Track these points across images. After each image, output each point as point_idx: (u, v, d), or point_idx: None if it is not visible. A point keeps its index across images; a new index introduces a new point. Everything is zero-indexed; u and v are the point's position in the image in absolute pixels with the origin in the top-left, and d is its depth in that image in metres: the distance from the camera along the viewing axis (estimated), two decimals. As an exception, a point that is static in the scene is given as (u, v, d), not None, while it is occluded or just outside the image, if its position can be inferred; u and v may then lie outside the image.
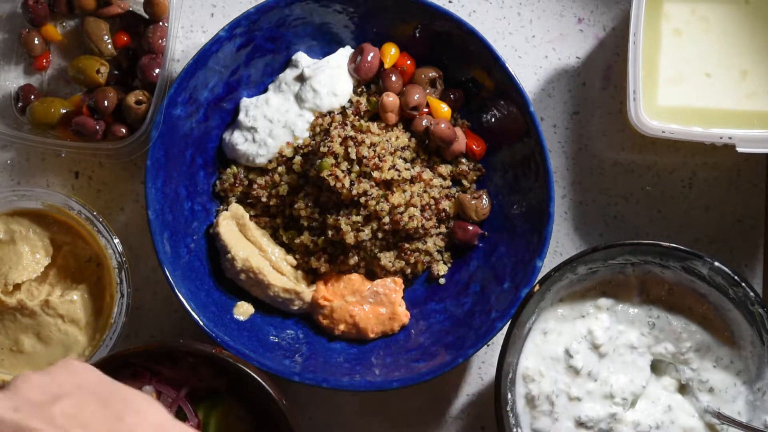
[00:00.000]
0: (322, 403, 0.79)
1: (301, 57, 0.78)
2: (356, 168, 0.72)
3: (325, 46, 0.78)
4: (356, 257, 0.75)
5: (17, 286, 0.75)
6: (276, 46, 0.77)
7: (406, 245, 0.76)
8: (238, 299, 0.76)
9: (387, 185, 0.73)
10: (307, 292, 0.76)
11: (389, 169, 0.73)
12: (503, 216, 0.76)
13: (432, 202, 0.76)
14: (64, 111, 0.78)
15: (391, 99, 0.76)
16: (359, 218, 0.73)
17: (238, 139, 0.77)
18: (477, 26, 0.74)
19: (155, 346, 0.70)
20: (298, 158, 0.75)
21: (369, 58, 0.76)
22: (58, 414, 0.48)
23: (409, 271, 0.77)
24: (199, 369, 0.71)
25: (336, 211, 0.74)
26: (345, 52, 0.78)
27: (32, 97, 0.79)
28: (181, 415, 0.71)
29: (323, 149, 0.73)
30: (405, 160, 0.75)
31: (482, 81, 0.76)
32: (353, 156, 0.72)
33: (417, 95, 0.76)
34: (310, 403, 0.79)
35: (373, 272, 0.76)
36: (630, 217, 0.80)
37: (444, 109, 0.76)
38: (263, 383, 0.69)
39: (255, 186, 0.77)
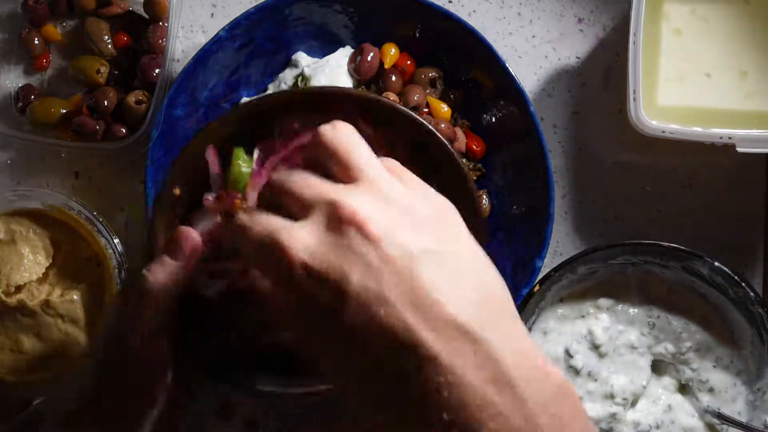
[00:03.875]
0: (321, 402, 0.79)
1: (301, 57, 0.78)
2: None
3: (325, 46, 0.78)
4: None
5: (19, 287, 0.75)
6: (276, 46, 0.77)
7: (406, 245, 0.75)
8: (238, 299, 0.76)
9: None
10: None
11: (389, 169, 0.73)
12: (503, 216, 0.76)
13: (432, 202, 0.75)
14: (64, 111, 0.78)
15: (391, 99, 0.76)
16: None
17: (238, 139, 0.77)
18: (477, 26, 0.74)
19: (365, 96, 0.58)
20: (298, 158, 0.75)
21: (369, 58, 0.76)
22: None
23: (409, 271, 0.77)
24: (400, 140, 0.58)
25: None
26: (345, 52, 0.78)
27: (32, 97, 0.79)
28: None
29: (323, 149, 0.73)
30: (405, 160, 0.75)
31: (482, 81, 0.76)
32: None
33: (417, 95, 0.76)
34: (310, 404, 0.79)
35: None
36: (630, 217, 0.80)
37: (444, 109, 0.76)
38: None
39: (255, 186, 0.77)
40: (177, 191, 0.59)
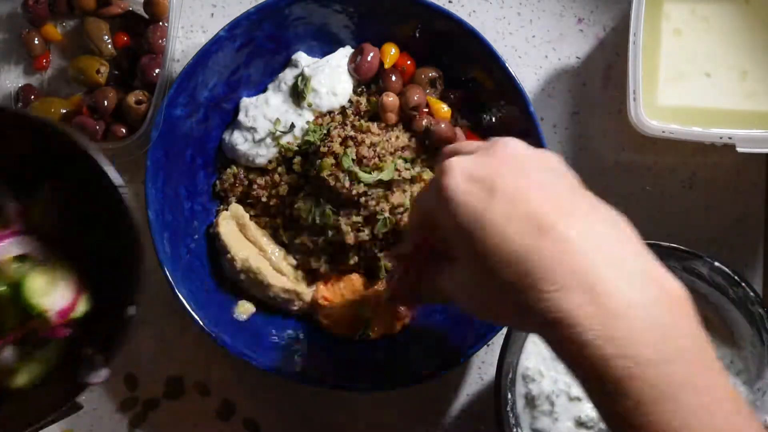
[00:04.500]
0: (321, 403, 0.79)
1: (301, 57, 0.78)
2: (356, 168, 0.72)
3: (325, 46, 0.78)
4: (356, 257, 0.75)
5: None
6: (276, 46, 0.77)
7: (406, 245, 0.76)
8: (239, 299, 0.76)
9: (387, 185, 0.73)
10: (307, 292, 0.76)
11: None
12: (503, 216, 0.76)
13: (432, 202, 0.76)
14: (64, 111, 0.78)
15: (391, 99, 0.76)
16: (359, 218, 0.73)
17: (238, 139, 0.77)
18: (477, 26, 0.74)
19: None
20: (298, 158, 0.75)
21: (369, 58, 0.76)
22: None
23: (409, 271, 0.77)
24: (21, 143, 0.60)
25: (336, 211, 0.74)
26: (345, 52, 0.78)
27: (32, 97, 0.79)
28: None
29: (323, 149, 0.73)
30: (405, 160, 0.75)
31: (482, 81, 0.76)
32: (353, 156, 0.72)
33: (417, 95, 0.76)
34: (310, 404, 0.79)
35: (373, 272, 0.76)
36: (630, 217, 0.79)
37: (444, 109, 0.76)
38: (95, 155, 0.59)
39: (255, 186, 0.77)
40: None
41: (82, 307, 0.61)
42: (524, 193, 0.49)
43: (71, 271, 0.62)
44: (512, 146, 0.53)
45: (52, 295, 0.60)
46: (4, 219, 0.61)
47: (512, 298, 0.48)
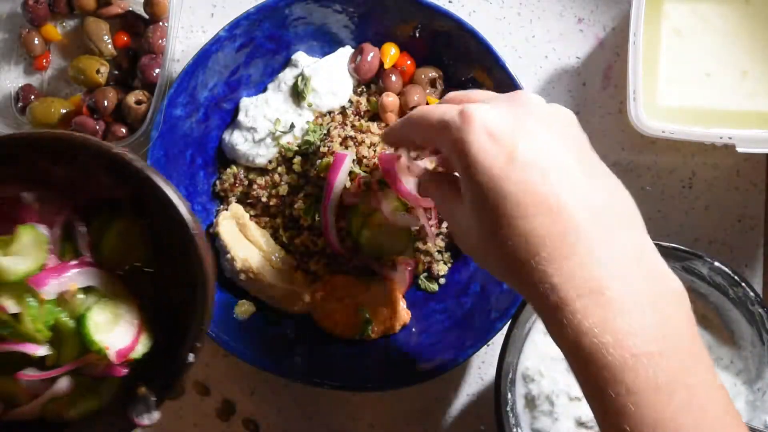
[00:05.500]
0: (321, 403, 0.79)
1: (301, 57, 0.78)
2: (356, 168, 0.72)
3: (325, 46, 0.78)
4: (356, 257, 0.75)
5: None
6: (276, 46, 0.77)
7: (406, 245, 0.76)
8: (239, 298, 0.76)
9: (387, 185, 0.73)
10: (306, 293, 0.76)
11: (389, 169, 0.73)
12: (503, 216, 0.76)
13: (432, 202, 0.76)
14: (64, 111, 0.78)
15: (391, 99, 0.76)
16: (359, 219, 0.73)
17: (237, 139, 0.77)
18: (477, 26, 0.74)
19: (45, 136, 0.56)
20: (298, 158, 0.75)
21: (369, 58, 0.76)
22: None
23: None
24: (99, 174, 0.59)
25: (337, 211, 0.74)
26: (345, 52, 0.78)
27: (32, 97, 0.79)
28: (69, 230, 0.62)
29: (323, 149, 0.73)
30: (405, 160, 0.76)
31: (482, 81, 0.76)
32: (353, 156, 0.72)
33: (417, 95, 0.76)
34: (310, 404, 0.79)
35: (373, 272, 0.76)
36: (630, 217, 0.80)
37: (444, 109, 0.76)
38: (175, 200, 0.57)
39: (255, 186, 0.77)
40: None
41: (141, 348, 0.60)
42: (542, 165, 0.50)
43: (134, 309, 0.61)
44: (535, 102, 0.54)
45: (114, 333, 0.59)
46: (74, 249, 0.60)
47: (517, 266, 0.49)
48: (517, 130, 0.51)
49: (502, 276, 0.53)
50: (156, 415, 0.59)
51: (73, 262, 0.59)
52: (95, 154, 0.57)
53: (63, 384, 0.59)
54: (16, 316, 0.56)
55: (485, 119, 0.51)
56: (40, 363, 0.58)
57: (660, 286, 0.49)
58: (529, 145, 0.50)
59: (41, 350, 0.57)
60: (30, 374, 0.57)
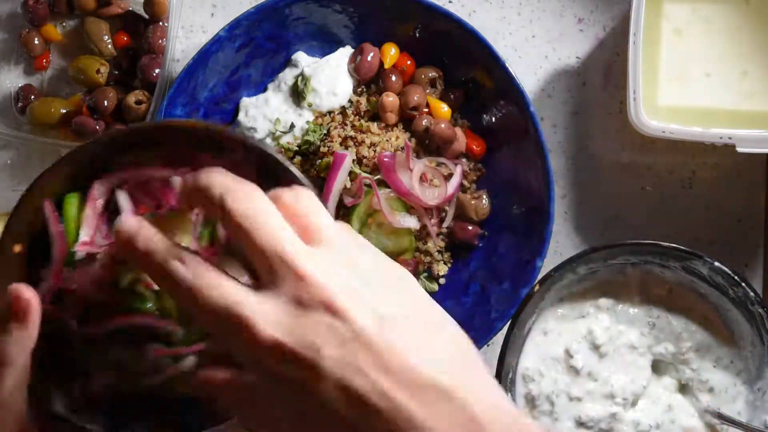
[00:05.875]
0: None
1: (301, 57, 0.78)
2: (356, 168, 0.72)
3: (325, 46, 0.78)
4: (356, 257, 0.75)
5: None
6: (276, 46, 0.77)
7: (406, 245, 0.76)
8: (238, 299, 0.76)
9: (387, 185, 0.73)
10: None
11: (389, 169, 0.73)
12: (503, 216, 0.76)
13: (432, 202, 0.76)
14: (64, 111, 0.78)
15: (391, 99, 0.76)
16: (359, 219, 0.73)
17: (238, 139, 0.76)
18: (477, 26, 0.74)
19: (199, 126, 0.54)
20: (298, 158, 0.75)
21: (369, 58, 0.76)
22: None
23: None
24: (243, 167, 0.55)
25: (336, 212, 0.74)
26: (345, 52, 0.78)
27: (32, 97, 0.79)
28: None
29: (323, 149, 0.73)
30: (405, 160, 0.76)
31: (482, 81, 0.76)
32: (353, 156, 0.72)
33: (417, 95, 0.76)
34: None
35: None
36: (630, 217, 0.80)
37: (444, 109, 0.76)
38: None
39: (255, 186, 0.77)
40: (17, 248, 0.53)
41: None
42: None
43: None
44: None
45: None
46: (209, 236, 0.60)
47: None
48: (316, 332, 0.41)
49: None
50: None
51: (211, 249, 0.59)
52: (246, 147, 0.54)
53: (189, 362, 0.59)
54: (157, 293, 0.56)
55: (267, 329, 0.41)
56: (165, 340, 0.58)
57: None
58: (336, 348, 0.41)
59: (179, 328, 0.57)
60: (163, 350, 0.57)
